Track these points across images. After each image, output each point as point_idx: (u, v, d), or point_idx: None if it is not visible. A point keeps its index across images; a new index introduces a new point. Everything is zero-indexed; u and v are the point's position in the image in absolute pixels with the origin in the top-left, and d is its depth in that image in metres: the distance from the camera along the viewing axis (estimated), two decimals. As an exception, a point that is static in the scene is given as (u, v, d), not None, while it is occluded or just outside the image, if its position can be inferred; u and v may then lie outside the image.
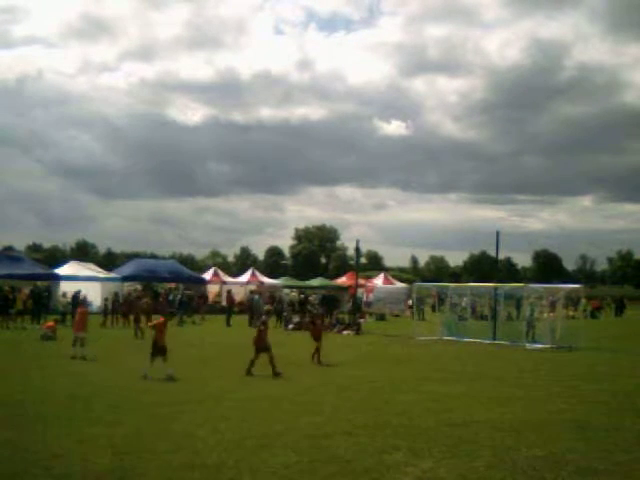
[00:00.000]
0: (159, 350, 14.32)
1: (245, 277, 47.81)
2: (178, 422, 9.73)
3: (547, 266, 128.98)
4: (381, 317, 39.41)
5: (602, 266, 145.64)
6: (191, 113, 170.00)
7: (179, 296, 35.93)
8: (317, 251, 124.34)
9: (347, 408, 11.06)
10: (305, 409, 10.92)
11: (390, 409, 11.03)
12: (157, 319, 15.59)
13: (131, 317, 31.17)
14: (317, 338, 17.62)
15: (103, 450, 8.02)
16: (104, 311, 30.96)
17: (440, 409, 11.09)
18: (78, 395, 11.86)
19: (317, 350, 17.35)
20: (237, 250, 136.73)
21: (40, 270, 37.99)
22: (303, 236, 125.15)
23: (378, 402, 11.67)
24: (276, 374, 14.56)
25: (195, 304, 38.03)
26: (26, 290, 33.81)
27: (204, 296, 41.23)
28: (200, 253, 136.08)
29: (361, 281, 42.21)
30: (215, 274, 46.63)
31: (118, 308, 31.61)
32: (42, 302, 32.01)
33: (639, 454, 8.30)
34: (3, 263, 35.91)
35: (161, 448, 8.16)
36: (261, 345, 15.02)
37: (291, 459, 7.74)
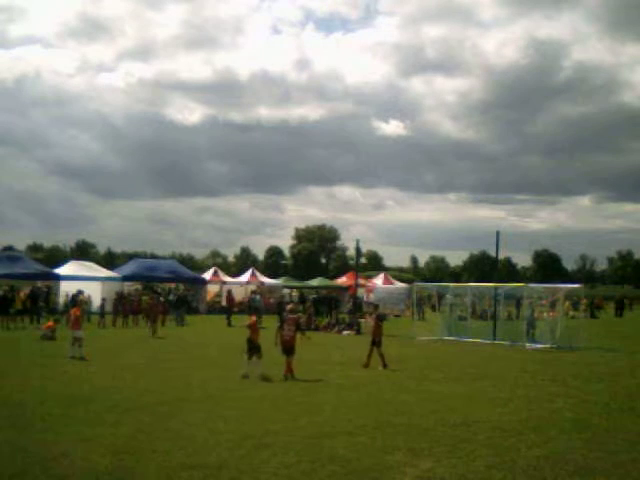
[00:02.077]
0: (254, 349, 14.36)
1: (245, 277, 47.80)
2: (178, 422, 9.73)
3: (547, 266, 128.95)
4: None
5: (602, 266, 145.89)
6: (189, 113, 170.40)
7: (175, 296, 35.89)
8: (317, 251, 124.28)
9: (347, 408, 11.06)
10: (305, 409, 10.92)
11: (390, 409, 11.03)
12: (250, 319, 15.41)
13: (131, 317, 31.29)
14: (376, 342, 16.68)
15: (103, 450, 8.02)
16: (101, 311, 30.88)
17: (440, 409, 11.10)
18: (78, 395, 11.86)
19: (380, 355, 16.46)
20: (237, 250, 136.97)
21: (40, 270, 37.96)
22: (303, 236, 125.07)
23: (378, 402, 11.67)
24: (285, 377, 14.33)
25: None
26: (25, 290, 33.83)
27: (181, 299, 37.49)
28: (200, 253, 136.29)
29: (361, 281, 42.21)
30: (215, 274, 46.63)
31: (120, 308, 31.59)
32: (41, 302, 32.00)
33: (639, 454, 8.30)
34: (3, 263, 35.90)
35: (161, 448, 8.16)
36: (287, 347, 14.60)
37: (291, 459, 7.75)
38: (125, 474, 7.14)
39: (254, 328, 14.77)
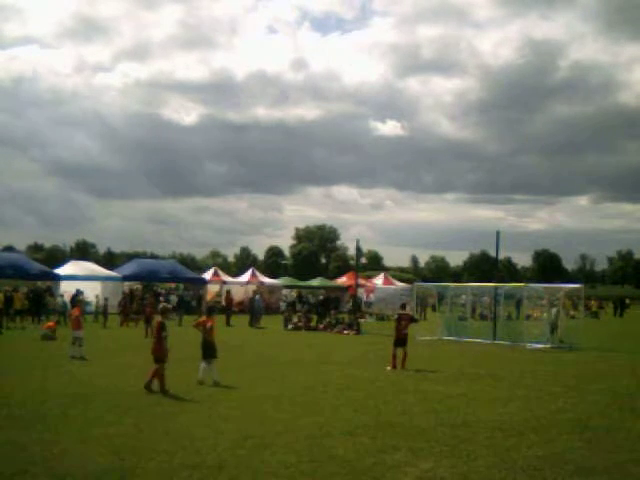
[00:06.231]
0: (209, 351, 13.76)
1: (245, 277, 47.82)
2: (178, 422, 9.73)
3: (547, 266, 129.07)
4: (381, 317, 39.43)
5: (602, 266, 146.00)
6: (186, 113, 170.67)
7: (174, 297, 35.93)
8: (317, 251, 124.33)
9: (347, 408, 11.06)
10: (305, 409, 10.92)
11: (390, 409, 11.03)
12: (200, 318, 14.82)
13: (131, 317, 31.28)
14: (402, 342, 16.41)
15: (103, 450, 8.02)
16: (104, 311, 30.89)
17: (440, 409, 11.10)
18: (78, 395, 11.85)
19: (404, 355, 16.24)
20: (237, 250, 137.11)
21: (40, 270, 37.96)
22: (303, 236, 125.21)
23: (378, 402, 11.67)
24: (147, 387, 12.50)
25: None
26: (25, 290, 33.81)
27: (183, 300, 37.07)
28: (200, 253, 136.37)
29: (361, 281, 42.20)
30: (215, 274, 46.64)
31: (123, 308, 31.58)
32: (41, 302, 31.98)
33: (639, 454, 8.30)
34: (3, 263, 35.89)
35: (161, 448, 8.16)
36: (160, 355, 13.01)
37: (291, 459, 7.74)
38: (125, 474, 7.14)
39: (206, 328, 13.89)
